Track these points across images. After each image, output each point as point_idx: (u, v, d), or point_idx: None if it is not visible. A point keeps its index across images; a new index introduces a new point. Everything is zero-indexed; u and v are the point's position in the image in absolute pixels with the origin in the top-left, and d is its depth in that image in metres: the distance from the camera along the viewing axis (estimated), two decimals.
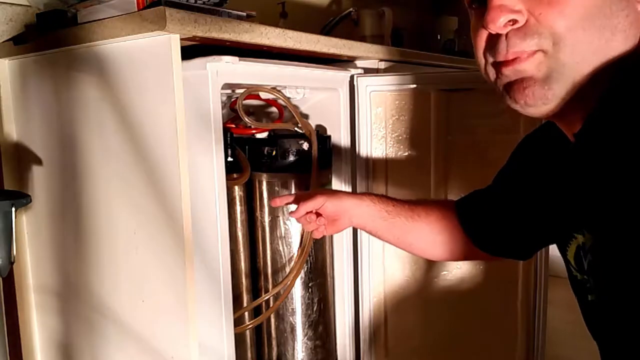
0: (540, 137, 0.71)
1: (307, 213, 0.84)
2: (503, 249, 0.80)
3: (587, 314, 0.60)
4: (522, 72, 0.54)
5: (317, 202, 0.84)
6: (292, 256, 1.07)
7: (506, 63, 0.54)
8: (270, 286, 1.08)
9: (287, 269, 1.06)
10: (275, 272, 1.08)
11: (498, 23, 0.52)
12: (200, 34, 0.77)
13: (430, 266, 1.19)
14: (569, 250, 0.62)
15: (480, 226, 0.81)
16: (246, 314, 1.06)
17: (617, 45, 0.52)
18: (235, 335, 0.95)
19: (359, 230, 1.21)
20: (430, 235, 0.85)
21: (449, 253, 0.86)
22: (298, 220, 0.86)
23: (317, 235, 0.87)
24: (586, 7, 0.50)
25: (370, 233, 0.89)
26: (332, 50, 1.04)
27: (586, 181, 0.54)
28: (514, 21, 0.52)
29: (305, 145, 1.04)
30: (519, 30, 0.52)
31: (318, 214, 0.85)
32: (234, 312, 0.94)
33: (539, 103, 0.54)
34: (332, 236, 1.19)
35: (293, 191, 1.06)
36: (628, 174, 0.46)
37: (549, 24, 0.51)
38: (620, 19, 0.51)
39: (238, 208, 1.05)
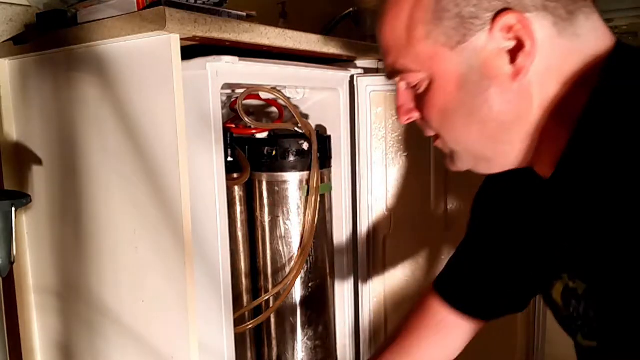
0: (504, 178, 0.69)
1: None
2: (497, 308, 0.78)
3: (582, 357, 0.58)
4: (439, 148, 0.63)
5: None
6: (292, 256, 1.07)
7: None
8: (270, 286, 1.08)
9: (287, 269, 1.06)
10: (275, 272, 1.08)
11: (401, 121, 0.63)
12: (200, 34, 0.77)
13: (430, 266, 1.19)
14: (554, 290, 0.61)
15: (467, 292, 0.79)
16: (246, 314, 1.06)
17: (516, 113, 0.54)
18: (235, 335, 0.95)
19: (358, 229, 1.22)
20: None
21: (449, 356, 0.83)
22: None
23: None
24: (446, 108, 0.56)
25: None
26: (332, 50, 1.04)
27: (568, 226, 0.54)
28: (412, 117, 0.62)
29: (305, 145, 1.04)
30: (420, 121, 0.62)
31: None
32: (234, 312, 0.94)
33: (466, 169, 0.61)
34: (332, 236, 1.19)
35: (293, 191, 1.06)
36: (616, 220, 0.46)
37: (427, 123, 0.60)
38: (493, 100, 0.54)
39: (238, 208, 1.05)
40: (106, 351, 0.95)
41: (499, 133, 0.55)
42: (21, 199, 0.77)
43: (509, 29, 0.51)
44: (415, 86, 0.58)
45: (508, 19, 0.51)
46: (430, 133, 0.61)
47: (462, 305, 0.79)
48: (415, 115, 0.61)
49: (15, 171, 1.05)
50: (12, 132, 1.04)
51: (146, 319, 0.87)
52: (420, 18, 0.55)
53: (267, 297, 1.06)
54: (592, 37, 0.53)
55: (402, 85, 0.61)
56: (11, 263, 0.77)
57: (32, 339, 1.09)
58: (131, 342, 0.90)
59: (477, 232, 0.79)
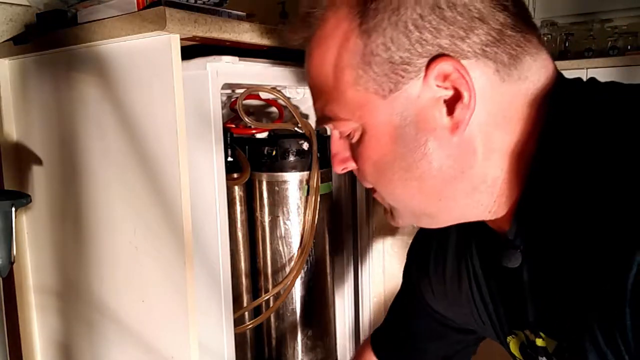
0: (444, 232, 0.66)
1: None
2: None
3: None
4: (378, 201, 0.57)
5: None
6: (292, 256, 1.07)
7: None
8: (270, 286, 1.08)
9: (287, 269, 1.06)
10: (275, 272, 1.08)
11: (336, 171, 0.57)
12: (200, 34, 0.77)
13: None
14: (510, 344, 0.59)
15: (399, 353, 0.77)
16: (246, 314, 1.06)
17: (459, 167, 0.49)
18: (235, 335, 0.95)
19: (358, 229, 1.22)
20: None
21: None
22: None
23: None
24: (381, 161, 0.51)
25: None
26: None
27: (533, 284, 0.51)
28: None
29: (305, 145, 1.04)
30: (357, 172, 0.56)
31: None
32: (234, 312, 0.94)
33: (405, 225, 0.57)
34: (331, 236, 1.19)
35: (293, 191, 1.06)
36: (588, 278, 0.42)
37: (363, 175, 0.55)
38: (432, 155, 0.49)
39: (238, 208, 1.05)
40: (106, 351, 0.95)
41: (440, 189, 0.50)
42: (21, 199, 0.77)
43: (445, 77, 0.46)
44: (348, 135, 0.53)
45: (443, 66, 0.46)
46: (368, 185, 0.56)
47: None
48: (351, 165, 0.56)
49: (15, 171, 1.05)
50: (12, 132, 1.04)
51: (146, 319, 0.87)
52: (348, 61, 0.49)
53: (267, 297, 1.06)
54: (540, 78, 0.49)
55: (336, 132, 0.55)
56: (11, 263, 0.77)
57: (32, 339, 1.09)
58: (131, 342, 0.90)
59: (411, 288, 0.76)
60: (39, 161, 1.01)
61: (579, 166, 0.44)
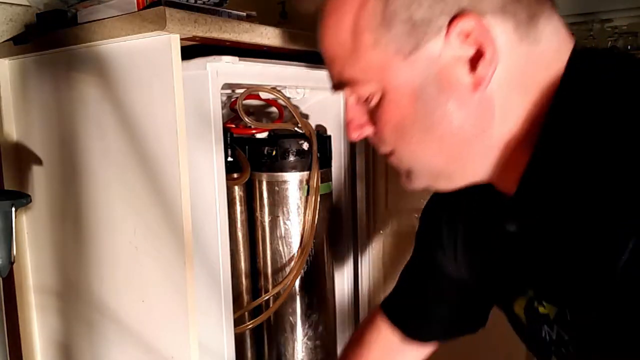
0: (455, 194, 0.65)
1: None
2: (447, 331, 0.76)
3: None
4: (394, 166, 0.57)
5: None
6: (292, 256, 1.06)
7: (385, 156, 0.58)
8: (270, 286, 1.08)
9: (287, 269, 1.06)
10: (275, 272, 1.08)
11: (352, 138, 0.57)
12: (200, 34, 0.77)
13: None
14: (516, 304, 0.59)
15: (415, 316, 0.76)
16: (246, 314, 1.06)
17: (479, 126, 0.49)
18: (235, 335, 0.95)
19: (358, 229, 1.22)
20: None
21: None
22: None
23: None
24: (402, 123, 0.51)
25: None
26: None
27: (535, 247, 0.51)
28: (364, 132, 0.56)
29: (305, 145, 1.04)
30: (373, 137, 0.56)
31: None
32: (234, 312, 0.94)
33: (424, 187, 0.57)
34: (331, 236, 1.19)
35: (293, 191, 1.06)
36: (587, 242, 0.43)
37: (381, 139, 0.54)
38: (453, 114, 0.49)
39: (238, 208, 1.05)
40: (106, 351, 0.95)
41: (460, 149, 0.51)
42: (21, 199, 0.77)
43: (467, 34, 0.46)
44: (366, 99, 0.53)
45: (465, 23, 0.46)
46: (385, 150, 0.56)
47: (410, 330, 0.76)
48: (368, 131, 0.56)
49: (15, 171, 1.05)
50: (12, 132, 1.04)
51: (146, 319, 0.87)
52: (367, 23, 0.49)
53: (267, 297, 1.06)
54: (553, 42, 0.49)
55: (352, 98, 0.55)
56: (11, 263, 0.77)
57: (32, 339, 1.09)
58: (131, 342, 0.90)
59: (424, 251, 0.76)
60: (39, 161, 1.01)
61: (587, 135, 0.44)
